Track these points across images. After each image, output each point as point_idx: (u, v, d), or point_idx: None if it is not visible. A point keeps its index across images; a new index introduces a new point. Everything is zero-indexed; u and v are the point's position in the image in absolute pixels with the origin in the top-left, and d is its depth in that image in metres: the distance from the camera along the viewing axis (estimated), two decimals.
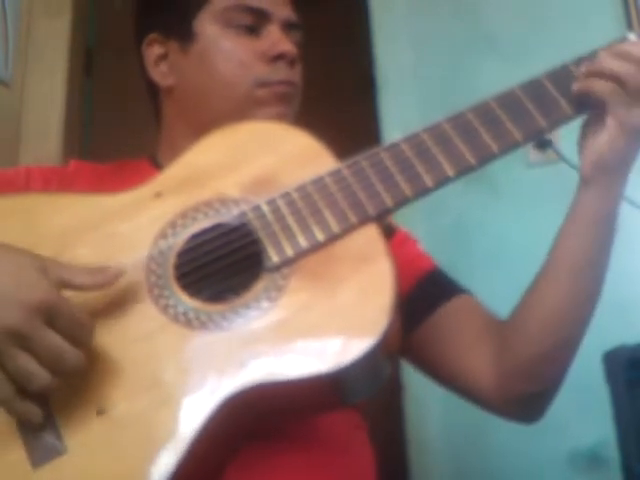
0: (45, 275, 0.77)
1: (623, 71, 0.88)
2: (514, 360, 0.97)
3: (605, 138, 0.90)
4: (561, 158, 1.59)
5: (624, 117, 0.88)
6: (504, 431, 1.64)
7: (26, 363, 0.74)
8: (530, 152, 1.72)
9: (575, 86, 0.90)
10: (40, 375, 0.74)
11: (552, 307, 0.95)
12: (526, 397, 0.99)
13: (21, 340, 0.73)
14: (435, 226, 1.85)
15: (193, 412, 0.77)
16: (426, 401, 1.77)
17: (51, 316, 0.75)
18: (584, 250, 0.93)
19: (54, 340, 0.74)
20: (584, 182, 0.93)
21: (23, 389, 0.75)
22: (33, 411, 0.76)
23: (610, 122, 0.89)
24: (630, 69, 0.88)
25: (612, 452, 1.40)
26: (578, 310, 0.95)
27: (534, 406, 1.02)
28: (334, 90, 2.55)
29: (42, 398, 0.78)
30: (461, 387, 1.04)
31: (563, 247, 0.95)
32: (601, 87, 0.89)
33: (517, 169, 1.78)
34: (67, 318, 0.76)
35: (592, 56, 0.92)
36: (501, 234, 1.82)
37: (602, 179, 0.91)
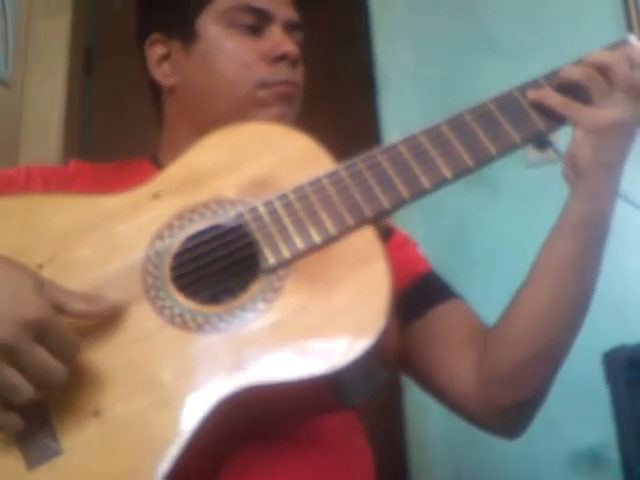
0: (40, 293, 0.77)
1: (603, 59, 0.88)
2: (496, 365, 0.95)
3: (576, 136, 0.89)
4: (561, 158, 1.59)
5: (588, 118, 0.88)
6: None
7: (12, 377, 0.74)
8: (529, 152, 1.71)
9: (562, 73, 0.90)
10: (24, 390, 0.75)
11: (535, 312, 0.92)
12: (506, 406, 0.96)
13: (10, 354, 0.74)
14: (434, 226, 1.85)
15: (190, 413, 0.77)
16: (426, 401, 1.75)
17: (42, 333, 0.75)
18: (568, 255, 0.91)
19: (42, 356, 0.75)
20: (569, 186, 0.91)
21: (6, 401, 0.75)
22: (15, 424, 0.77)
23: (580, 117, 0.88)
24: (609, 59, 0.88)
25: (612, 452, 1.41)
26: (563, 315, 0.93)
27: (515, 417, 0.99)
28: (334, 90, 2.54)
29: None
30: (441, 393, 1.03)
31: (548, 252, 0.93)
32: (578, 71, 0.89)
33: (516, 169, 1.78)
34: (57, 336, 0.76)
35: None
36: (500, 234, 1.82)
37: (578, 183, 0.90)
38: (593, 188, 0.89)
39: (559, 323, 0.93)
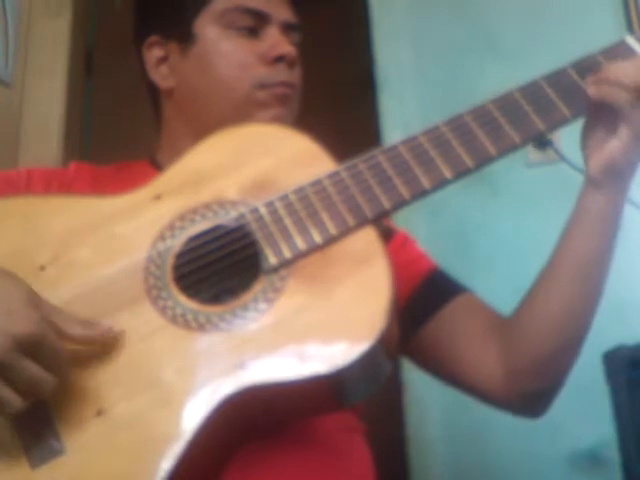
0: (35, 308, 0.77)
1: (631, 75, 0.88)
2: (521, 359, 0.98)
3: (617, 144, 0.90)
4: (561, 158, 1.59)
5: (637, 125, 0.89)
6: (504, 431, 1.65)
7: (1, 390, 0.74)
8: (530, 152, 1.72)
9: (591, 90, 0.90)
10: (12, 402, 0.75)
11: (558, 308, 0.96)
12: (533, 393, 1.00)
13: (0, 368, 0.74)
14: (435, 226, 1.85)
15: (192, 413, 0.77)
16: (426, 401, 1.76)
17: (34, 348, 0.75)
18: (590, 251, 0.94)
19: (33, 371, 0.75)
20: (593, 185, 0.93)
21: None
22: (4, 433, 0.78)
23: (624, 130, 0.89)
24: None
25: (612, 452, 1.40)
26: (583, 310, 0.96)
27: (540, 401, 1.03)
28: (334, 90, 2.54)
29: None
30: (467, 385, 1.05)
31: (569, 248, 0.95)
32: (619, 96, 0.89)
33: (516, 169, 1.77)
34: (49, 350, 0.76)
35: (590, 59, 0.92)
36: (500, 234, 1.82)
37: (613, 183, 0.92)
38: (624, 189, 0.93)
39: (579, 318, 0.96)
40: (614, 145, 0.90)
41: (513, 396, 1.01)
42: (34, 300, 0.78)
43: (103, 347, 0.81)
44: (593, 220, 0.94)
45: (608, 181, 0.92)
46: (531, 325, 0.98)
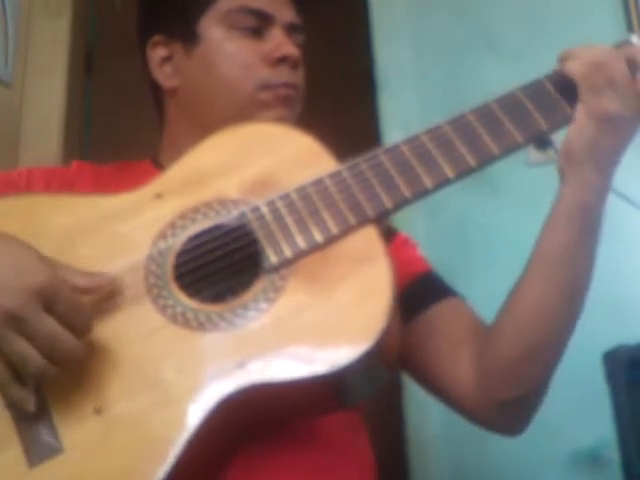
0: (44, 262, 0.78)
1: (601, 56, 0.88)
2: (493, 362, 0.95)
3: (573, 126, 0.88)
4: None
5: (593, 104, 0.87)
6: None
7: (22, 347, 0.75)
8: (530, 152, 1.71)
9: (559, 65, 0.90)
10: (35, 360, 0.75)
11: (528, 306, 0.93)
12: (506, 402, 0.96)
13: (18, 324, 0.74)
14: (435, 225, 1.85)
15: (191, 412, 0.77)
16: (426, 401, 1.75)
17: (50, 302, 0.75)
18: (560, 246, 0.91)
19: (50, 325, 0.75)
20: (560, 175, 0.91)
21: (19, 375, 0.76)
22: (27, 398, 0.77)
23: (579, 109, 0.88)
24: (607, 56, 0.88)
25: (612, 452, 1.40)
26: (557, 309, 0.92)
27: (515, 413, 0.99)
28: (334, 90, 2.54)
29: (40, 394, 0.78)
30: (442, 391, 1.03)
31: (541, 243, 0.93)
32: (575, 67, 0.88)
33: (517, 168, 1.77)
34: (65, 304, 0.76)
35: None
36: (501, 233, 1.82)
37: (572, 170, 0.89)
38: (585, 177, 0.89)
39: (553, 318, 0.93)
40: (571, 127, 0.89)
41: (486, 405, 0.97)
42: (43, 257, 0.79)
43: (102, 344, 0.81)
44: (561, 213, 0.91)
45: (569, 169, 0.89)
46: (503, 327, 0.95)
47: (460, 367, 0.99)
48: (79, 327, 0.77)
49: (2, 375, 0.76)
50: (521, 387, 0.96)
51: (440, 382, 1.02)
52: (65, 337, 0.76)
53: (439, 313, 1.04)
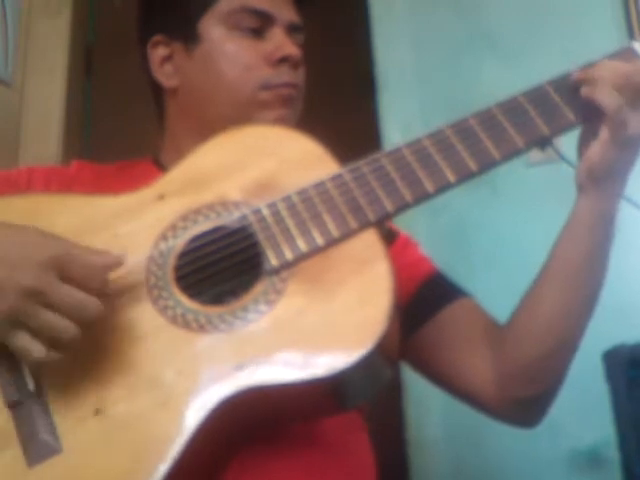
0: (47, 236, 0.79)
1: (631, 82, 0.88)
2: (512, 363, 0.98)
3: (597, 148, 0.89)
4: (561, 158, 1.59)
5: (620, 132, 0.88)
6: (504, 431, 1.64)
7: (49, 317, 0.76)
8: (530, 152, 1.72)
9: (583, 90, 0.90)
10: (66, 325, 0.76)
11: (550, 311, 0.95)
12: (524, 400, 0.99)
13: (38, 297, 0.75)
14: (435, 225, 1.85)
15: (191, 413, 0.78)
16: (426, 401, 1.76)
17: (63, 269, 0.77)
18: (581, 255, 0.93)
19: (69, 291, 0.76)
20: (579, 189, 0.93)
21: (53, 342, 0.76)
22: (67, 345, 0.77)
23: (604, 132, 0.89)
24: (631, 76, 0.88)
25: (612, 452, 1.40)
26: (576, 314, 0.96)
27: (533, 409, 1.02)
28: (334, 90, 2.54)
29: (39, 394, 0.79)
30: (460, 390, 1.05)
31: (560, 252, 0.95)
32: (607, 100, 0.87)
33: (517, 169, 1.77)
34: (78, 269, 0.78)
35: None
36: (501, 233, 1.82)
37: (596, 188, 0.91)
38: (605, 189, 0.91)
39: (572, 321, 0.96)
40: (593, 149, 0.90)
41: (505, 403, 1.00)
42: (46, 232, 0.80)
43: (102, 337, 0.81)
44: (580, 226, 0.93)
45: (591, 186, 0.91)
46: (521, 328, 0.98)
47: (477, 367, 1.01)
48: (96, 286, 0.78)
49: (37, 348, 0.76)
50: (539, 386, 0.98)
51: (457, 382, 1.04)
52: (87, 300, 0.77)
53: (452, 314, 1.05)
